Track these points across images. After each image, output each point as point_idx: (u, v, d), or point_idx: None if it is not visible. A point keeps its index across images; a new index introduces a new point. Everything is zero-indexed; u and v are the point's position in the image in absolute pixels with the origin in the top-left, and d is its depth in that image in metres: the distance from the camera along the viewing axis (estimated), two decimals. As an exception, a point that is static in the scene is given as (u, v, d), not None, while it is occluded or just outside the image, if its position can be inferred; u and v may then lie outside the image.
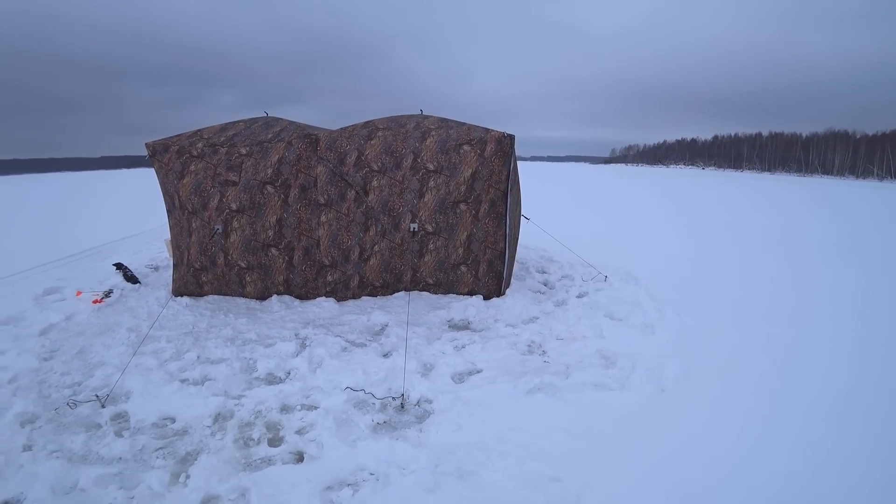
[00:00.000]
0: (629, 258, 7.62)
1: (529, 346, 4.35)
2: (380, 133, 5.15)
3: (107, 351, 4.27)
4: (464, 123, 5.42)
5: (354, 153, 5.02)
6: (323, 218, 5.13)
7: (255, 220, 5.17)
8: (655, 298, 5.60)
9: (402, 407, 3.28)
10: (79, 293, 5.93)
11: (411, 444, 2.81)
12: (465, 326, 4.82)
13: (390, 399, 3.37)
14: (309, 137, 5.08)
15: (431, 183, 4.97)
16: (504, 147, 4.93)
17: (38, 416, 3.27)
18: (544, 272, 6.87)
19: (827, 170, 64.01)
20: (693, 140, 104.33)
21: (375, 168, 4.99)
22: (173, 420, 3.19)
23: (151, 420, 3.19)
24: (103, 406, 3.36)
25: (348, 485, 2.51)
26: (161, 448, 2.90)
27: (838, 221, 13.02)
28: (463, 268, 5.19)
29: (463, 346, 4.25)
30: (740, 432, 2.96)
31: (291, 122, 5.74)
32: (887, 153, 56.55)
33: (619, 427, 3.03)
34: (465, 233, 5.08)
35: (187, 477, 2.60)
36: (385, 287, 5.29)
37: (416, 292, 5.32)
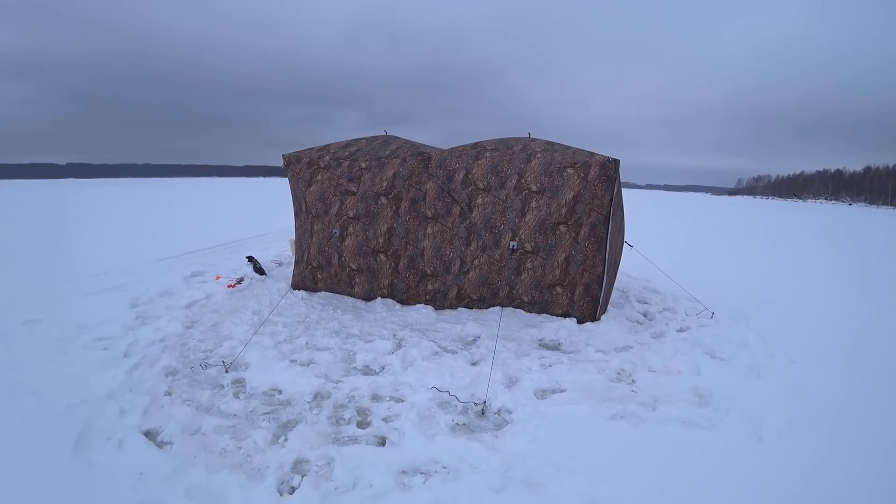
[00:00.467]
0: (743, 296, 7.05)
1: (618, 373, 4.26)
2: (487, 153, 5.41)
3: (234, 327, 4.92)
4: (569, 147, 5.50)
5: (462, 171, 5.31)
6: (429, 230, 5.47)
7: (368, 227, 5.65)
8: (767, 341, 5.13)
9: (483, 413, 3.41)
10: (217, 277, 6.84)
11: (485, 447, 2.93)
12: (555, 347, 4.83)
13: (472, 404, 3.52)
14: (421, 155, 5.47)
15: (533, 203, 5.10)
16: (608, 171, 4.93)
17: (178, 371, 3.90)
18: (645, 302, 6.62)
19: None
20: (838, 171, 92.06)
21: (481, 186, 5.24)
22: (280, 392, 3.62)
23: (263, 389, 3.65)
24: (227, 371, 3.90)
25: (421, 472, 2.70)
26: (268, 413, 3.32)
27: None
28: (558, 289, 5.22)
29: (550, 365, 4.28)
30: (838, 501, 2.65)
31: (407, 141, 6.21)
32: None
33: (700, 467, 2.87)
34: (564, 254, 5.12)
35: (285, 440, 2.97)
36: (481, 301, 5.47)
37: (510, 308, 5.43)
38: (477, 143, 5.73)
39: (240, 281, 6.75)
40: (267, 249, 9.49)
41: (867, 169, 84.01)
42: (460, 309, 5.52)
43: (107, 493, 2.44)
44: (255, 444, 2.91)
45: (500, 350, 4.44)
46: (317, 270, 6.04)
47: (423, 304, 5.60)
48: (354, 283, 5.87)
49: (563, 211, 5.03)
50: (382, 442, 3.00)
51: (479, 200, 5.24)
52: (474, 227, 5.27)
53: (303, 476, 2.63)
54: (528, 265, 5.20)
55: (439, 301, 5.56)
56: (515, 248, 5.13)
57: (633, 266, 7.76)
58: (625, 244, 6.67)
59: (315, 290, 6.15)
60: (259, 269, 7.35)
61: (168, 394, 3.53)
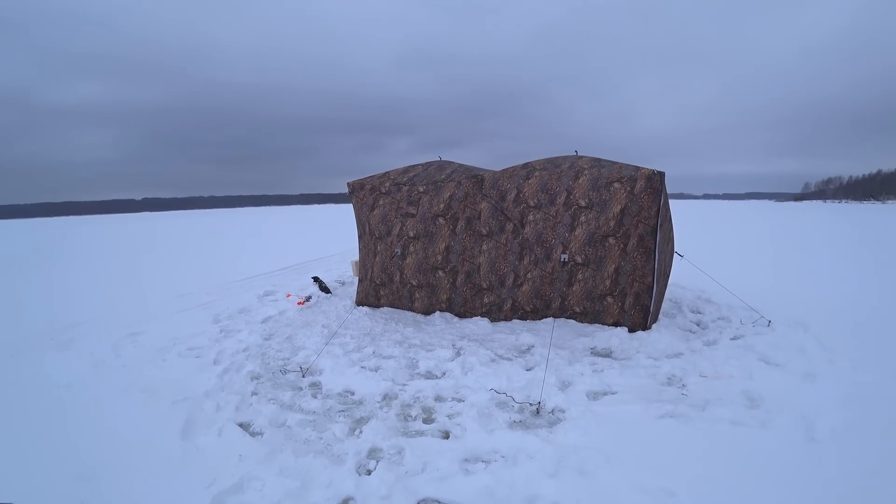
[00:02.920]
0: (801, 304, 6.86)
1: (669, 378, 4.36)
2: (537, 173, 5.71)
3: (307, 339, 5.40)
4: (616, 163, 5.72)
5: (514, 191, 5.64)
6: (484, 247, 5.80)
7: (427, 246, 6.05)
8: (827, 348, 5.03)
9: (538, 412, 3.65)
10: (288, 295, 7.43)
11: (540, 440, 3.18)
12: (607, 354, 4.98)
13: (528, 404, 3.77)
14: (475, 178, 5.84)
15: (582, 218, 5.33)
16: (654, 184, 5.11)
17: (261, 375, 4.39)
18: (699, 312, 6.60)
19: None
20: None
21: (532, 204, 5.54)
22: (353, 393, 4.01)
23: (337, 391, 4.05)
24: (304, 376, 4.35)
25: (482, 461, 2.98)
26: (343, 410, 3.70)
27: None
28: (609, 299, 5.39)
29: (601, 371, 4.45)
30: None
31: (461, 165, 6.61)
32: None
33: (748, 462, 2.96)
34: (613, 265, 5.31)
35: (360, 432, 3.33)
36: (534, 312, 5.72)
37: (562, 319, 5.64)
38: (527, 164, 6.05)
39: (308, 299, 7.30)
40: (329, 271, 10.10)
41: None
42: (514, 321, 5.78)
43: (214, 469, 2.88)
44: (333, 436, 3.29)
45: (552, 357, 4.67)
46: (380, 287, 6.48)
47: (479, 317, 5.90)
48: (415, 298, 6.26)
49: (612, 224, 5.24)
50: (446, 435, 3.31)
51: (531, 217, 5.54)
52: (527, 243, 5.56)
53: (377, 461, 2.97)
54: (579, 276, 5.41)
55: (495, 313, 5.85)
56: (566, 260, 5.37)
57: (686, 277, 7.76)
58: (675, 254, 6.76)
59: (378, 306, 6.59)
60: (325, 288, 7.89)
61: (255, 394, 4.00)
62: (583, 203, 5.36)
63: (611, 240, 5.28)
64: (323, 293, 7.79)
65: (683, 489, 2.68)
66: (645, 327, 5.43)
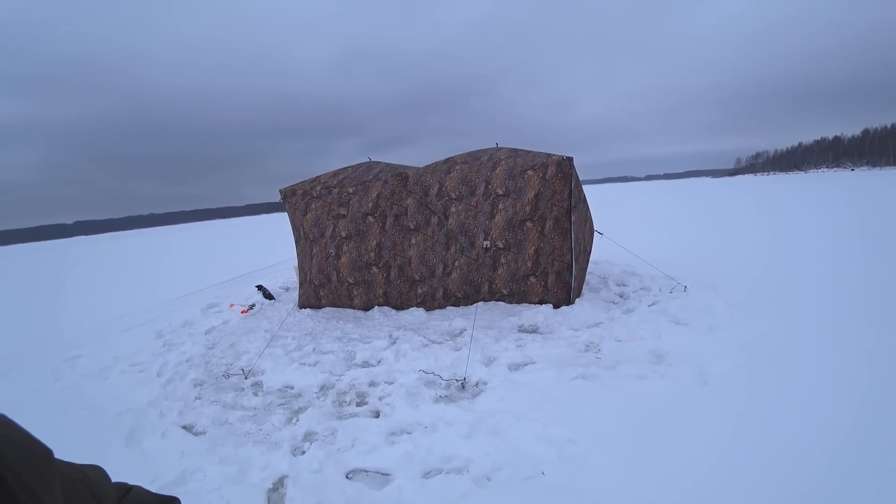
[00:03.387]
0: (716, 269, 7.55)
1: (587, 345, 4.81)
2: (458, 167, 6.08)
3: (250, 344, 5.58)
4: (531, 151, 6.16)
5: (436, 185, 5.98)
6: (413, 241, 6.13)
7: (359, 244, 6.32)
8: (731, 305, 5.58)
9: (463, 387, 4.02)
10: (231, 305, 7.53)
11: (461, 409, 3.54)
12: (533, 330, 5.41)
13: (454, 381, 4.12)
14: (400, 175, 6.15)
15: (500, 205, 5.74)
16: (564, 169, 5.57)
17: (204, 381, 4.57)
18: (623, 285, 7.15)
19: None
20: (837, 138, 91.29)
21: (454, 196, 5.90)
22: (292, 387, 4.26)
23: (277, 387, 4.30)
24: (246, 378, 4.56)
25: (406, 432, 3.31)
26: (282, 404, 3.96)
27: None
28: (532, 279, 5.83)
29: (524, 345, 4.86)
30: (766, 432, 2.98)
31: (388, 164, 6.91)
32: None
33: (645, 409, 3.36)
34: (533, 247, 5.75)
35: (297, 420, 3.61)
36: (466, 298, 6.10)
37: (493, 302, 6.05)
38: (448, 159, 6.41)
39: (252, 307, 7.43)
40: (275, 278, 10.19)
41: (865, 132, 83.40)
42: (448, 308, 6.14)
43: (158, 465, 3.10)
44: (272, 426, 3.55)
45: (481, 337, 5.06)
46: (319, 288, 6.71)
47: (415, 307, 6.24)
48: (353, 295, 6.52)
49: (528, 209, 5.67)
50: (377, 414, 3.63)
51: (453, 209, 5.90)
52: (451, 233, 5.93)
53: (311, 443, 3.26)
54: (502, 260, 5.83)
55: (429, 302, 6.19)
56: (489, 246, 5.77)
57: (615, 254, 8.33)
58: (595, 233, 7.30)
59: (319, 307, 6.81)
60: (268, 295, 8.03)
61: (198, 398, 4.20)
62: (500, 192, 5.77)
63: (528, 224, 5.71)
64: (267, 300, 7.92)
65: (584, 437, 3.07)
66: (569, 302, 5.89)
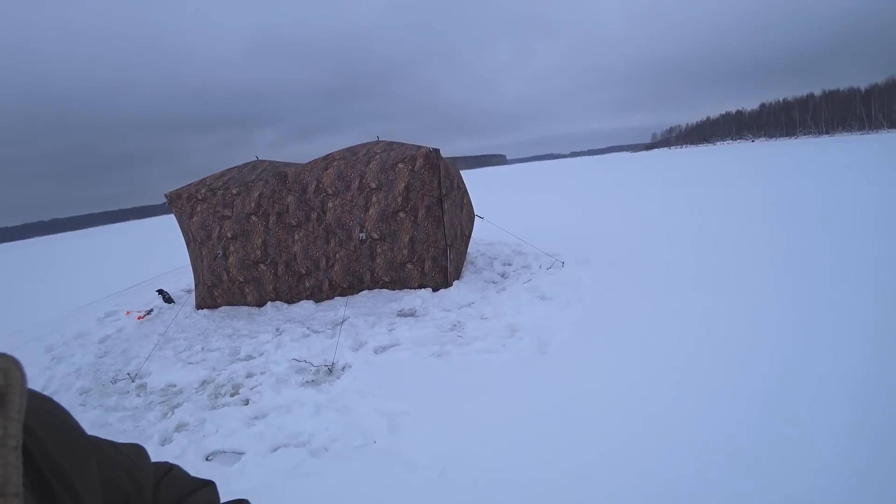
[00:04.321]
0: (594, 244, 8.16)
1: (454, 325, 5.34)
2: (335, 163, 6.47)
3: (141, 349, 5.81)
4: (405, 144, 6.64)
5: (314, 182, 6.36)
6: (296, 236, 6.50)
7: (245, 243, 6.61)
8: (597, 279, 6.18)
9: (330, 371, 4.50)
10: (128, 313, 7.61)
11: (318, 391, 4.04)
12: (411, 314, 5.94)
13: (323, 366, 4.60)
14: (279, 175, 6.47)
15: (374, 198, 6.21)
16: (431, 160, 6.10)
17: (90, 389, 4.84)
18: (508, 264, 7.77)
19: (894, 123, 58.66)
20: (739, 112, 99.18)
21: (330, 192, 6.31)
22: (174, 385, 4.61)
23: (161, 386, 4.63)
24: (133, 381, 4.84)
25: (265, 415, 3.76)
26: (163, 401, 4.32)
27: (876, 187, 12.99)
28: (409, 266, 6.38)
29: (395, 328, 5.38)
30: (580, 394, 3.40)
31: (272, 163, 7.19)
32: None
33: (484, 378, 3.84)
34: (407, 236, 6.28)
35: (172, 414, 3.99)
36: (351, 288, 6.56)
37: (377, 290, 6.55)
38: (327, 156, 6.78)
39: (149, 312, 7.55)
40: (179, 281, 10.20)
41: (762, 106, 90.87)
42: (336, 298, 6.59)
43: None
44: (148, 422, 3.92)
45: (359, 324, 5.56)
46: (212, 289, 6.95)
47: (305, 300, 6.64)
48: (245, 293, 6.83)
49: (399, 200, 6.18)
50: (246, 402, 4.06)
51: (330, 204, 6.31)
52: (330, 228, 6.35)
53: (180, 432, 3.66)
54: (379, 250, 6.33)
55: (317, 294, 6.62)
56: (364, 238, 6.25)
57: (506, 235, 8.93)
58: (476, 217, 7.95)
59: (216, 307, 7.06)
60: (168, 299, 8.13)
61: (82, 405, 4.47)
62: (373, 185, 6.23)
63: (401, 214, 6.22)
64: (167, 304, 8.03)
65: (416, 408, 3.51)
66: (447, 285, 6.47)
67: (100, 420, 4.07)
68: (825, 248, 6.35)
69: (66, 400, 4.62)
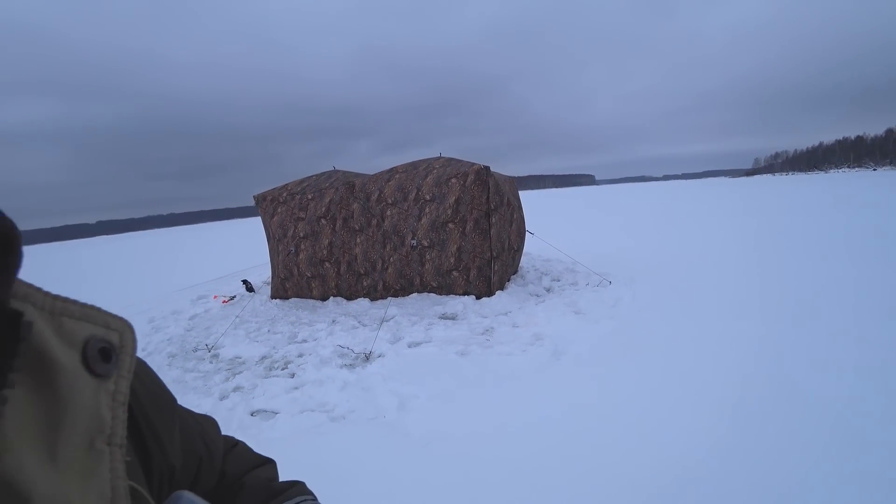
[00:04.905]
0: (648, 267, 8.35)
1: (486, 330, 5.75)
2: (397, 175, 7.15)
3: (221, 327, 6.77)
4: (462, 161, 7.19)
5: (377, 192, 7.07)
6: (358, 240, 7.23)
7: (314, 243, 7.45)
8: (637, 300, 6.39)
9: (367, 358, 5.09)
10: (215, 297, 8.76)
11: (350, 372, 4.63)
12: (452, 317, 6.42)
13: (362, 354, 5.20)
14: (348, 184, 7.26)
15: (427, 209, 6.79)
16: (482, 177, 6.59)
17: (176, 354, 5.80)
18: (557, 280, 8.05)
19: None
20: (859, 137, 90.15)
21: (390, 202, 6.98)
22: (240, 357, 5.42)
23: (229, 357, 5.46)
24: (209, 351, 5.73)
25: (303, 386, 4.40)
26: (228, 369, 5.12)
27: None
28: (455, 273, 6.87)
29: (433, 328, 5.89)
30: (580, 396, 3.70)
31: (345, 173, 8.02)
32: None
33: (498, 375, 4.26)
34: (455, 245, 6.79)
35: (233, 378, 4.76)
36: (402, 290, 7.17)
37: (425, 293, 7.11)
38: (392, 168, 7.48)
39: (232, 298, 8.64)
40: (263, 274, 11.41)
41: (889, 131, 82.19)
42: (389, 298, 7.22)
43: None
44: (214, 383, 4.72)
45: (403, 322, 6.12)
46: (284, 281, 7.86)
47: (362, 298, 7.34)
48: (312, 287, 7.66)
49: (450, 212, 6.71)
50: (292, 375, 4.74)
51: (389, 212, 6.98)
52: (387, 234, 7.01)
53: (236, 392, 4.40)
54: (428, 257, 6.89)
55: (373, 293, 7.29)
56: (416, 245, 6.84)
57: (564, 253, 9.19)
58: (528, 232, 8.30)
59: (286, 298, 7.97)
60: (250, 288, 9.22)
61: (168, 365, 5.40)
62: (428, 197, 6.82)
63: (450, 225, 6.75)
64: (248, 292, 9.11)
65: (426, 393, 4.00)
66: (489, 294, 6.90)
67: (179, 378, 4.94)
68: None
69: (157, 361, 5.59)
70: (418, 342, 5.44)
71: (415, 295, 7.11)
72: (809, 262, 7.96)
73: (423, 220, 6.82)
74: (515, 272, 8.36)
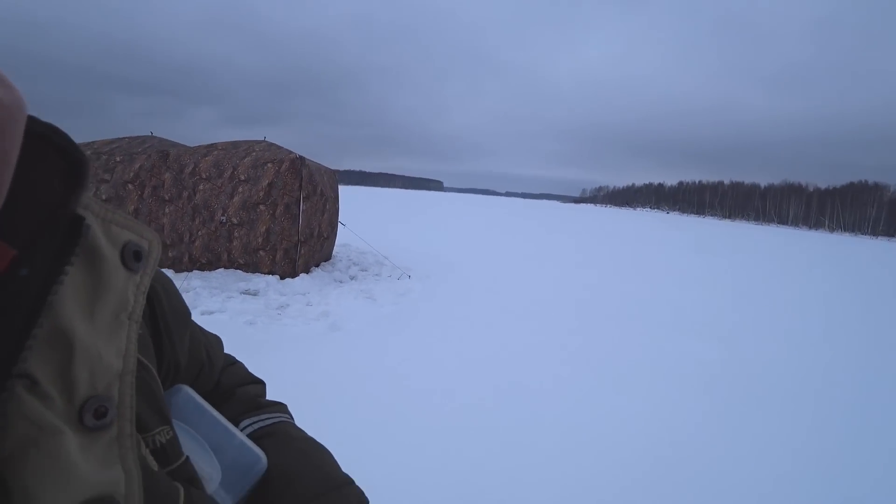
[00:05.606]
0: (459, 269, 9.62)
1: (280, 305, 6.20)
2: (215, 152, 7.28)
3: None
4: (281, 148, 7.56)
5: (192, 165, 7.13)
6: (167, 210, 7.20)
7: (118, 209, 7.20)
8: (425, 290, 7.46)
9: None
10: None
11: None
12: (254, 294, 6.76)
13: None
14: (162, 152, 7.19)
15: (241, 189, 7.06)
16: (296, 166, 7.05)
17: None
18: (364, 270, 8.82)
19: (782, 219, 66.80)
20: (660, 185, 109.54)
21: (204, 176, 7.09)
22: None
23: None
24: None
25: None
26: None
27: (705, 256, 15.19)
28: (262, 252, 7.23)
29: (230, 300, 6.20)
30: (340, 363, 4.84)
31: (160, 140, 7.87)
32: (837, 207, 59.38)
33: (269, 343, 4.76)
34: (265, 227, 7.15)
35: None
36: (209, 264, 7.31)
37: (232, 270, 7.33)
38: (212, 144, 7.57)
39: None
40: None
41: (680, 183, 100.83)
42: (194, 271, 7.30)
43: None
44: None
45: (204, 294, 6.31)
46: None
47: (166, 269, 7.30)
48: (109, 252, 7.38)
49: (262, 194, 7.06)
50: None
51: (202, 187, 7.09)
52: (197, 207, 7.12)
53: None
54: (237, 234, 7.16)
55: (178, 265, 7.31)
56: (224, 221, 7.07)
57: (380, 246, 10.00)
58: (340, 224, 8.94)
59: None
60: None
61: None
62: (243, 178, 7.09)
63: (261, 207, 7.10)
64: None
65: None
66: (293, 275, 7.36)
67: None
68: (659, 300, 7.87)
69: None
70: (210, 311, 5.74)
71: (221, 270, 7.30)
72: (580, 274, 9.94)
73: (236, 199, 7.07)
74: (328, 259, 8.93)
